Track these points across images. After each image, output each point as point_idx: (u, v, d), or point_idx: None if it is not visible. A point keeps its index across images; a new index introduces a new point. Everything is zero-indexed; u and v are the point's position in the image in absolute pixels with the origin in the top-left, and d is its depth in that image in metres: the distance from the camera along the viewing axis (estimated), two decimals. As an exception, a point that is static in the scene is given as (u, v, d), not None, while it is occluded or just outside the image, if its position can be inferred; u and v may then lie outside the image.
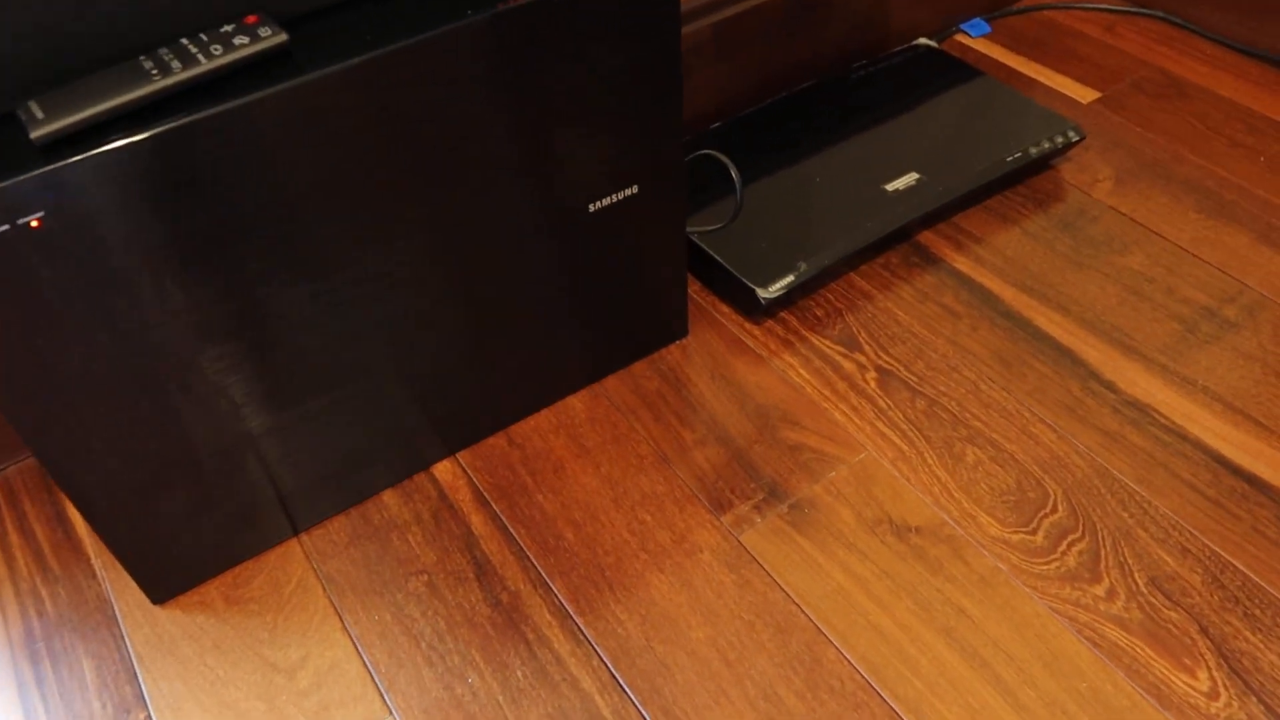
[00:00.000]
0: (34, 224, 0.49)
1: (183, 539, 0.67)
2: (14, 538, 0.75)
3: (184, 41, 0.53)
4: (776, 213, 0.87)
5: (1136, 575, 0.67)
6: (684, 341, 0.84)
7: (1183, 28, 1.14)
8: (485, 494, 0.74)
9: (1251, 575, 0.66)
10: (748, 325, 0.85)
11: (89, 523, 0.62)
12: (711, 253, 0.84)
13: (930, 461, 0.74)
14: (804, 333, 0.84)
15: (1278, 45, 1.07)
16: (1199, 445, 0.74)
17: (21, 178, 0.48)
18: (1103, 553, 0.68)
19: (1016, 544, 0.69)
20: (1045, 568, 0.67)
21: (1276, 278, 0.85)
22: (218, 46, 0.52)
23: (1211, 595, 0.65)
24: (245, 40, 0.52)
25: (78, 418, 0.57)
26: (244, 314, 0.59)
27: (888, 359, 0.81)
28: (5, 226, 0.49)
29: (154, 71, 0.51)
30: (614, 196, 0.70)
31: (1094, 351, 0.81)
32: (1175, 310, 0.83)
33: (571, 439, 0.77)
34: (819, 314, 0.85)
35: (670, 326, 0.83)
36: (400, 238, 0.62)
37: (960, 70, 1.03)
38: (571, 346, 0.77)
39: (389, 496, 0.74)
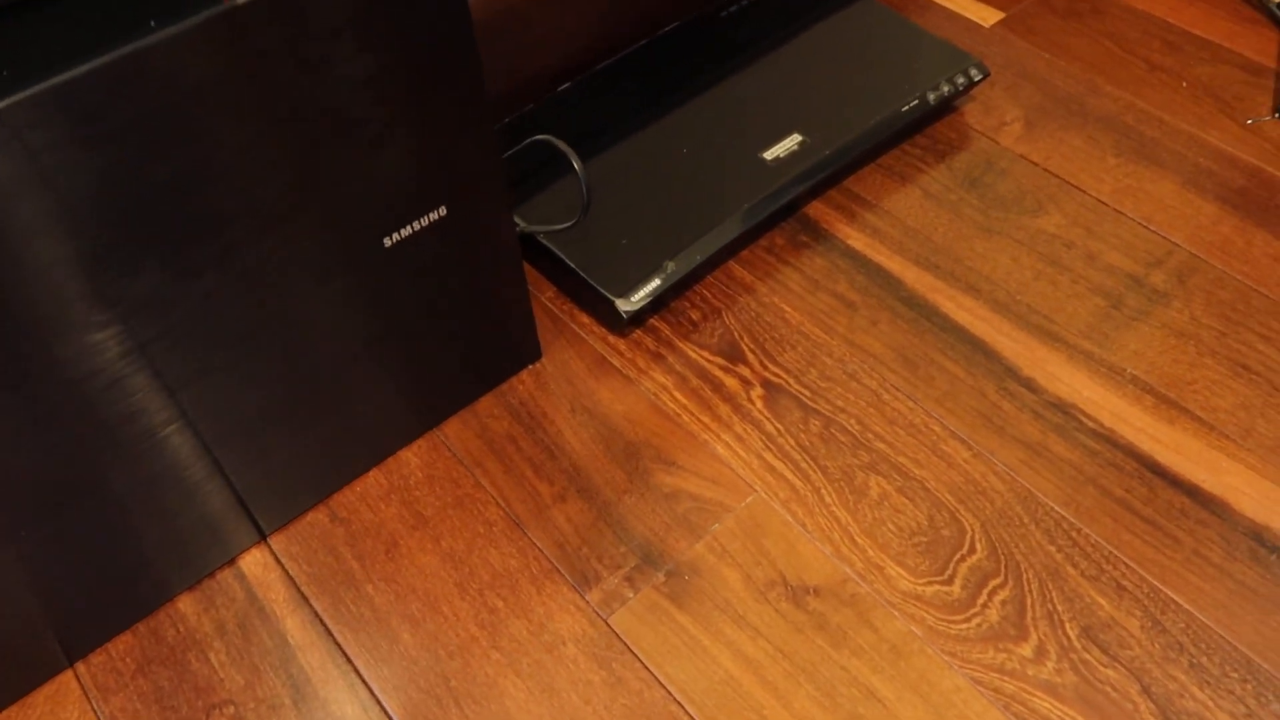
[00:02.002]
0: None
1: (-93, 705, 0.53)
2: None
3: None
4: (637, 198, 0.73)
5: (1068, 626, 0.57)
6: (537, 365, 0.71)
7: (1091, -73, 1.01)
8: (303, 589, 0.61)
9: (1196, 613, 0.57)
10: (611, 338, 0.72)
11: None
12: (561, 255, 0.70)
13: (829, 499, 0.63)
14: (677, 343, 0.71)
15: (1196, -56, 0.95)
16: (1131, 452, 0.64)
17: None
18: (1029, 600, 0.58)
19: (931, 598, 0.59)
20: (964, 626, 0.58)
21: (1207, 231, 0.75)
22: None
23: (1152, 644, 0.56)
24: None
25: None
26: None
27: (775, 370, 0.69)
28: None
29: None
30: (415, 224, 0.55)
31: (1010, 342, 0.70)
32: (1098, 282, 0.73)
33: (406, 506, 0.64)
34: (694, 316, 0.73)
35: (518, 350, 0.69)
36: (162, 299, 0.47)
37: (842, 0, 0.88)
38: (398, 390, 0.63)
39: (185, 603, 0.61)
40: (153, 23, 0.41)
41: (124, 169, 0.43)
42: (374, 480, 0.66)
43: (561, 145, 0.67)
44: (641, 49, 0.85)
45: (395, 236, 0.55)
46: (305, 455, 0.61)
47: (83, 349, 0.46)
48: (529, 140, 0.74)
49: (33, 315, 0.44)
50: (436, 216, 0.56)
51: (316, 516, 0.64)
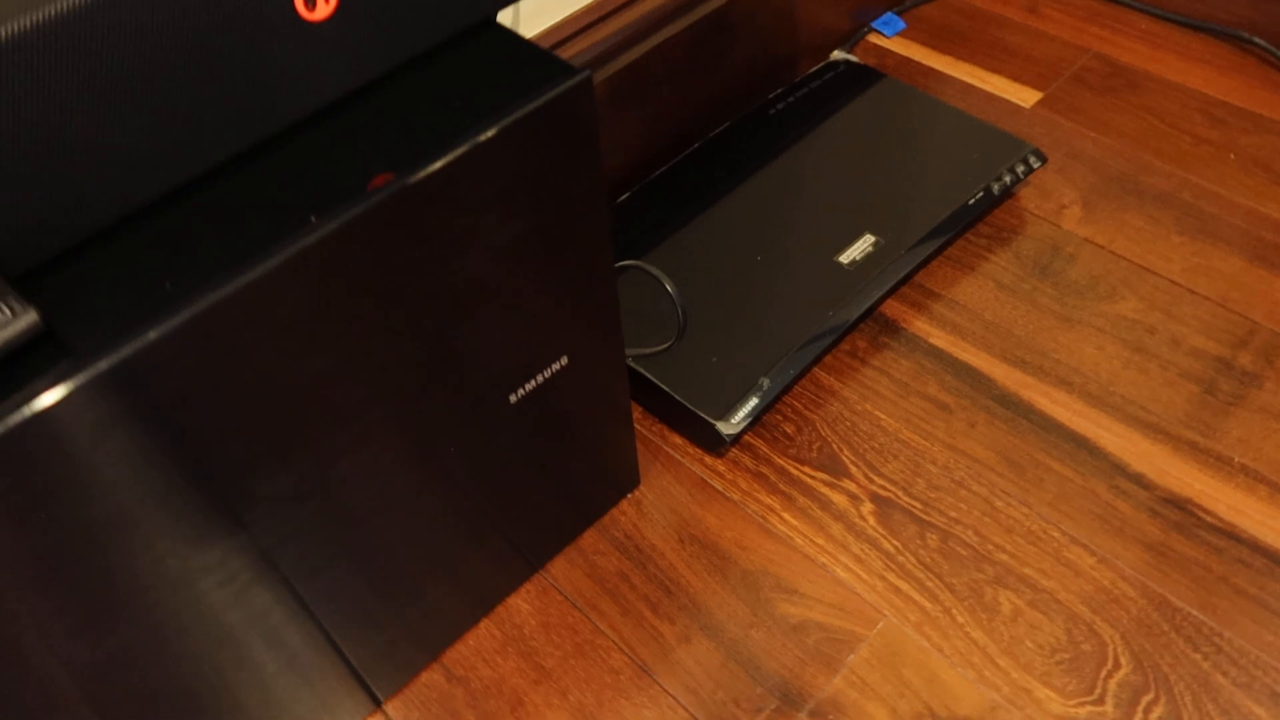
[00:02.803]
0: None
1: None
2: None
3: (-126, 351, 0.34)
4: (720, 314, 0.72)
5: (1230, 741, 0.56)
6: (636, 494, 0.69)
7: (1112, 1, 1.03)
8: (428, 759, 0.58)
9: (1355, 716, 0.56)
10: (709, 459, 0.70)
11: None
12: (658, 382, 0.68)
13: (961, 620, 0.61)
14: (777, 460, 0.70)
15: (1217, 14, 0.97)
16: (1257, 546, 0.63)
17: None
18: (1184, 714, 0.57)
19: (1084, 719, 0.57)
20: (1125, 749, 0.56)
21: (1284, 307, 0.75)
22: (-69, 355, 0.34)
23: (1318, 753, 0.55)
24: (-26, 336, 0.34)
25: None
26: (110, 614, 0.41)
27: (882, 482, 0.68)
28: None
29: None
30: (539, 378, 0.53)
31: (1112, 436, 0.69)
32: (1187, 367, 0.72)
33: (525, 658, 0.62)
34: (789, 430, 0.71)
35: (618, 479, 0.67)
36: (298, 494, 0.44)
37: (889, 89, 0.89)
38: (506, 536, 0.61)
39: (303, 784, 0.58)
40: (313, 218, 0.39)
41: (277, 370, 0.40)
42: (487, 632, 0.63)
43: (653, 270, 0.66)
44: (697, 151, 0.84)
45: (521, 392, 0.53)
46: (418, 618, 0.59)
47: (219, 556, 0.44)
48: (619, 266, 0.73)
49: (174, 527, 0.41)
50: (559, 366, 0.54)
51: (432, 677, 0.61)
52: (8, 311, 0.35)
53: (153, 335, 0.35)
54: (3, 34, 0.32)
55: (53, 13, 0.33)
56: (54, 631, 0.40)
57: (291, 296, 0.39)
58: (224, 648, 0.47)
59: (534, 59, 0.45)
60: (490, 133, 0.42)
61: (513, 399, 0.53)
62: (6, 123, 0.33)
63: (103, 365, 0.35)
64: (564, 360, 0.54)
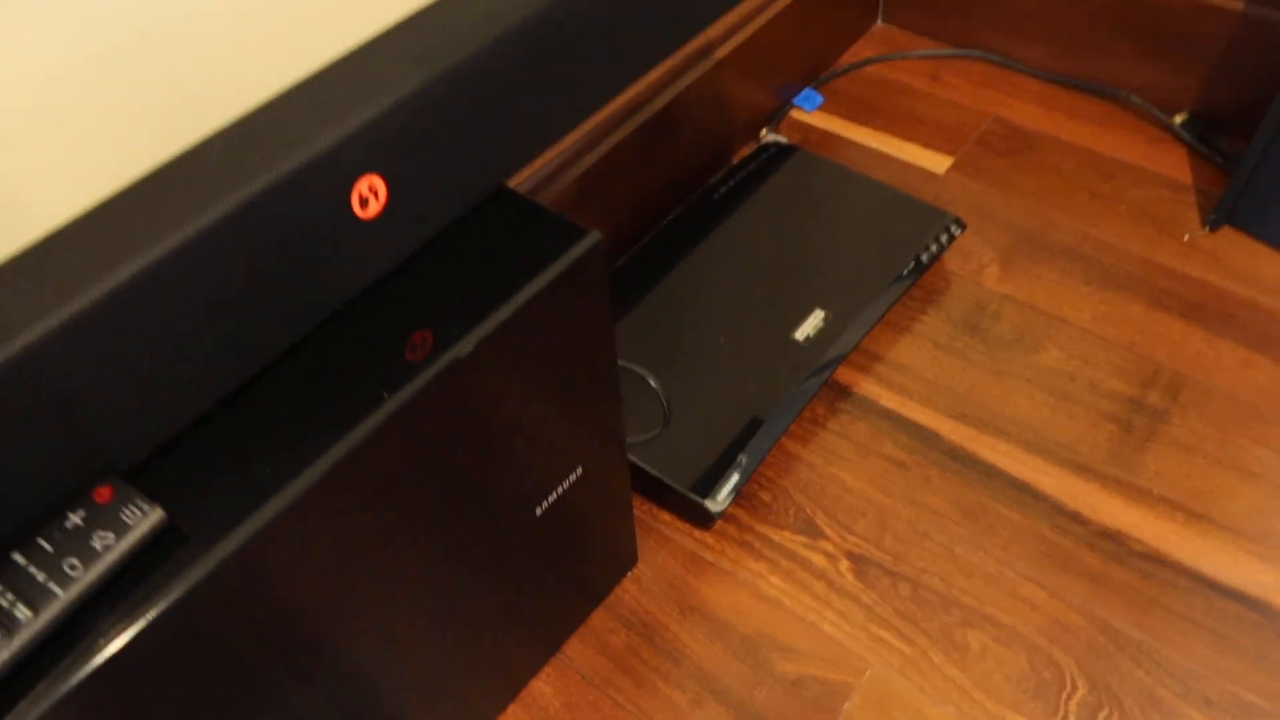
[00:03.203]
0: None
1: None
2: None
3: (20, 561, 0.38)
4: (695, 398, 0.79)
5: (1175, 745, 0.65)
6: (636, 571, 0.75)
7: (1004, 66, 1.13)
8: (477, 843, 0.63)
9: (1276, 712, 0.66)
10: (697, 533, 0.77)
11: None
12: (650, 469, 0.75)
13: (937, 660, 0.69)
14: (759, 528, 0.77)
15: (1098, 75, 1.08)
16: (1180, 568, 0.73)
17: None
18: (1135, 726, 0.66)
19: (1053, 740, 0.65)
20: (1089, 762, 0.64)
21: (1180, 347, 0.86)
22: (74, 561, 0.38)
23: (1248, 747, 0.65)
24: (110, 539, 0.39)
25: None
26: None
27: (855, 540, 0.76)
28: None
29: (-9, 630, 0.37)
30: (559, 490, 0.59)
31: (1048, 479, 0.78)
32: (1105, 409, 0.82)
33: (553, 738, 0.67)
34: (766, 499, 0.78)
35: (620, 560, 0.74)
36: (350, 624, 0.49)
37: (820, 167, 0.97)
38: (526, 626, 0.67)
39: None
40: (385, 394, 0.44)
41: (355, 526, 0.46)
42: (515, 718, 0.68)
43: (638, 369, 0.72)
44: (653, 241, 0.91)
45: (544, 505, 0.59)
46: (454, 708, 0.64)
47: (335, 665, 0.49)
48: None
49: (271, 672, 0.46)
50: (575, 478, 0.60)
51: (469, 765, 0.66)
52: (138, 511, 0.39)
53: (266, 517, 0.41)
54: (128, 272, 0.37)
55: (167, 248, 0.38)
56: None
57: (371, 465, 0.44)
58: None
59: (545, 221, 0.52)
60: (523, 300, 0.48)
61: (538, 511, 0.59)
62: (125, 346, 0.38)
63: (224, 552, 0.40)
64: (579, 471, 0.60)
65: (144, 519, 0.39)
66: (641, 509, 0.79)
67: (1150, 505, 0.76)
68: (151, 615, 0.38)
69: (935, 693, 0.68)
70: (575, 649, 0.71)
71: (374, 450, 0.44)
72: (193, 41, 0.55)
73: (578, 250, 0.50)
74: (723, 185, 0.96)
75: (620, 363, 0.75)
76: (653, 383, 0.71)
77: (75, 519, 0.39)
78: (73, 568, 0.38)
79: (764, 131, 1.08)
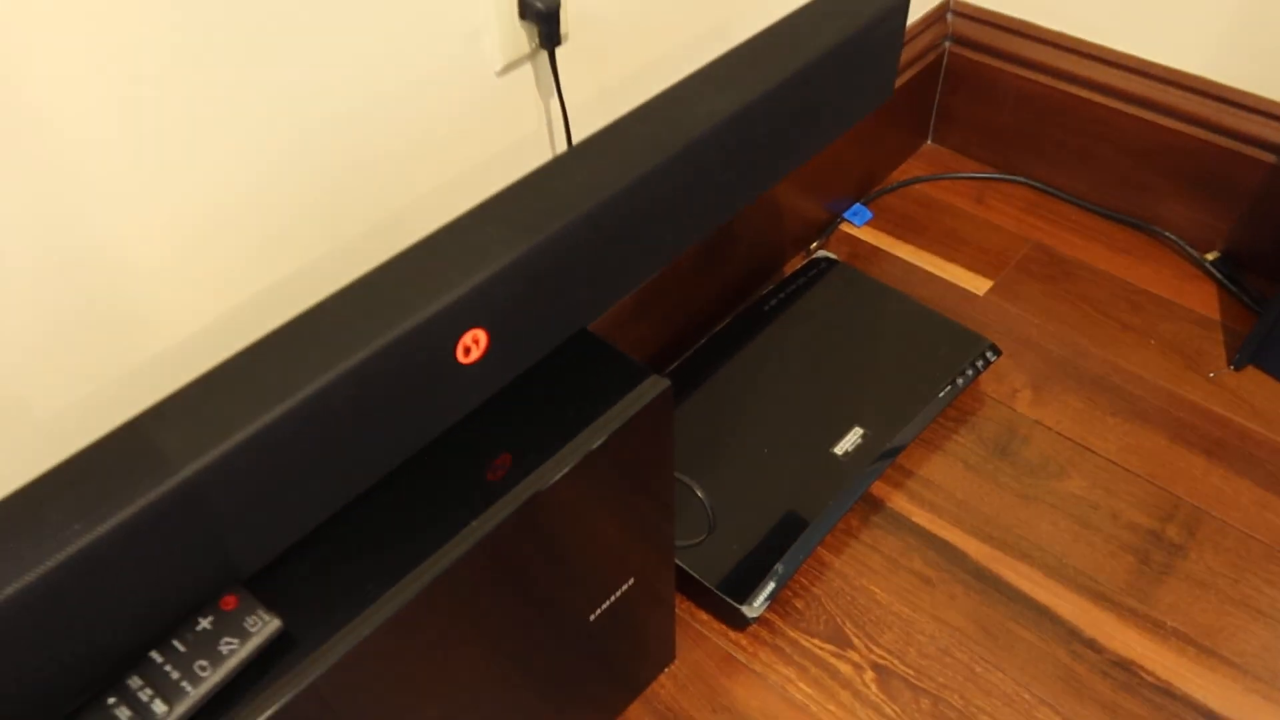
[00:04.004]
0: None
1: None
2: None
3: (158, 659, 0.44)
4: (735, 504, 0.85)
5: None
6: (673, 668, 0.80)
7: (1046, 193, 1.19)
8: None
9: None
10: (732, 634, 0.82)
11: None
12: (693, 573, 0.80)
13: (953, 776, 0.74)
14: (791, 634, 0.82)
15: (1134, 209, 1.14)
16: (1188, 702, 0.77)
17: None
18: None
19: None
20: None
21: (1200, 483, 0.90)
22: (203, 662, 0.44)
23: None
24: (234, 644, 0.45)
25: None
26: None
27: (880, 653, 0.80)
28: None
29: (134, 720, 0.43)
30: (612, 598, 0.65)
31: (1067, 605, 0.83)
32: (1126, 540, 0.86)
33: (588, 824, 0.72)
34: (799, 606, 0.83)
35: (659, 657, 0.79)
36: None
37: (866, 286, 1.03)
38: (573, 716, 0.72)
39: None
40: (474, 523, 0.51)
41: (440, 640, 0.52)
42: (553, 801, 0.73)
43: (686, 479, 0.78)
44: (703, 349, 0.98)
45: (598, 611, 0.64)
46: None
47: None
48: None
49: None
50: (627, 587, 0.66)
51: (508, 844, 0.71)
52: (260, 620, 0.45)
53: (366, 630, 0.47)
54: (274, 415, 0.44)
55: (303, 397, 0.45)
56: None
57: (458, 582, 0.50)
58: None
59: (620, 363, 0.58)
60: (599, 442, 0.54)
61: (591, 618, 0.64)
62: (264, 478, 0.45)
63: (330, 660, 0.46)
64: (631, 581, 0.66)
65: (265, 627, 0.45)
66: (681, 607, 0.84)
67: (1164, 638, 0.80)
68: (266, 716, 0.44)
69: (949, 808, 0.72)
70: (613, 739, 0.76)
71: (462, 570, 0.50)
72: (340, 214, 0.62)
73: (649, 394, 0.56)
74: (772, 298, 1.03)
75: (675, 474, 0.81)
76: (699, 493, 0.77)
77: (205, 623, 0.45)
78: (202, 669, 0.44)
79: (814, 245, 1.14)
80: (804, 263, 1.08)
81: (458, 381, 0.52)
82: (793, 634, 0.82)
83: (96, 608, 0.42)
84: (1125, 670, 0.79)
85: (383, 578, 0.49)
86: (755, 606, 0.79)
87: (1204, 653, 0.79)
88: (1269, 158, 1.01)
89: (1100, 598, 0.83)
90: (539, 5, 0.66)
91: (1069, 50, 1.10)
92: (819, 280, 1.05)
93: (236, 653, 0.45)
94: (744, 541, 0.82)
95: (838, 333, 0.99)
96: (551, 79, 0.71)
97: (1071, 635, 0.81)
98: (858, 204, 1.19)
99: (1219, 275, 1.08)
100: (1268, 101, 1.00)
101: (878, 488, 0.91)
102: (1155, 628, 0.81)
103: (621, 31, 0.75)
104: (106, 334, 0.54)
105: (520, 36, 0.67)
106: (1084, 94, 1.10)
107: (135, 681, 0.44)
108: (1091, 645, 0.80)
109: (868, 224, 1.17)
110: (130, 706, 0.43)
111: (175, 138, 0.52)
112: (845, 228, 1.17)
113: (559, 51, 0.71)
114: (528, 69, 0.70)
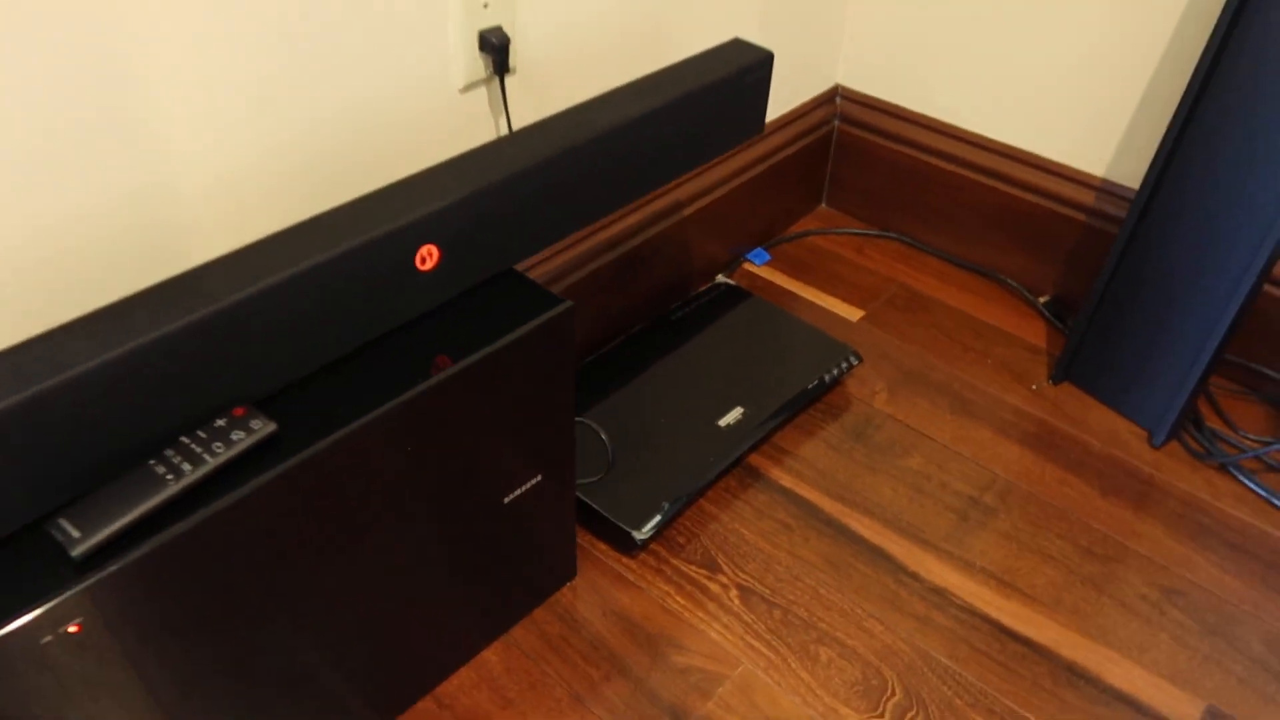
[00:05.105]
0: (73, 629, 0.57)
1: None
2: None
3: (186, 441, 0.62)
4: (635, 458, 1.03)
5: (962, 740, 0.86)
6: (574, 583, 0.97)
7: (914, 246, 1.43)
8: (427, 757, 0.83)
9: (1040, 724, 0.87)
10: (625, 560, 0.99)
11: None
12: (592, 504, 0.98)
13: (794, 665, 0.91)
14: (672, 560, 0.99)
15: (987, 261, 1.38)
16: (986, 619, 0.95)
17: (66, 595, 0.55)
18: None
19: (871, 728, 0.86)
20: (896, 745, 0.85)
21: (1015, 464, 1.10)
22: (219, 444, 0.62)
23: (1016, 747, 0.85)
24: (241, 435, 0.63)
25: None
26: (252, 644, 0.67)
27: (744, 577, 0.98)
28: (49, 637, 0.56)
29: (168, 476, 0.60)
30: (523, 487, 0.83)
31: (897, 547, 1.01)
32: (949, 502, 1.06)
33: (494, 692, 0.88)
34: (681, 541, 1.01)
35: (562, 572, 0.96)
36: (361, 557, 0.72)
37: (756, 305, 1.25)
38: (483, 606, 0.88)
39: (338, 775, 0.82)
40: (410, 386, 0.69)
41: (381, 460, 0.69)
42: (465, 675, 0.89)
43: (593, 424, 0.97)
44: (620, 345, 1.18)
45: (510, 496, 0.82)
46: (417, 658, 0.85)
47: (345, 572, 0.71)
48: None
49: (328, 555, 0.69)
50: (536, 481, 0.84)
51: (427, 704, 0.87)
52: (261, 423, 0.63)
53: (333, 439, 0.65)
54: (288, 274, 0.63)
55: (302, 269, 0.64)
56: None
57: (395, 432, 0.69)
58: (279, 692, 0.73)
59: (536, 292, 0.78)
60: (515, 336, 0.73)
61: (505, 500, 0.82)
62: (275, 321, 0.63)
63: (306, 455, 0.63)
64: (539, 477, 0.84)
65: (264, 428, 0.63)
66: (583, 539, 1.01)
67: (972, 574, 0.99)
68: (252, 486, 0.62)
69: (788, 687, 0.89)
70: (519, 633, 0.93)
71: (397, 417, 0.69)
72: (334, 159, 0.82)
73: (555, 309, 0.76)
74: (679, 310, 1.23)
75: (580, 418, 0.99)
76: (603, 436, 0.95)
77: (221, 422, 0.63)
78: (217, 449, 0.62)
79: (719, 276, 1.36)
80: (707, 287, 1.29)
81: (415, 283, 0.71)
82: (674, 561, 1.00)
83: (158, 391, 0.59)
84: (939, 595, 0.97)
85: (347, 413, 0.67)
86: (644, 531, 0.97)
87: (1003, 585, 0.98)
88: (1081, 217, 1.26)
89: (925, 543, 1.02)
90: (494, 40, 0.88)
91: (931, 129, 1.35)
92: (720, 300, 1.26)
93: (242, 441, 0.62)
94: (637, 483, 1.01)
95: (730, 337, 1.19)
96: (501, 100, 0.93)
97: (899, 569, 1.00)
98: (759, 248, 1.42)
99: (1048, 314, 1.31)
100: (1078, 171, 1.25)
101: (755, 460, 1.11)
102: (967, 566, 1.00)
103: (556, 69, 0.98)
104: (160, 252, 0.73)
105: (478, 64, 0.89)
106: (943, 165, 1.35)
107: (170, 453, 0.61)
108: (914, 577, 0.99)
109: (765, 264, 1.40)
110: (166, 466, 0.60)
111: (243, 98, 0.72)
112: (746, 266, 1.39)
113: (508, 79, 0.93)
114: (483, 90, 0.92)
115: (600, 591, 0.96)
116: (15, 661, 0.55)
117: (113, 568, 0.57)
